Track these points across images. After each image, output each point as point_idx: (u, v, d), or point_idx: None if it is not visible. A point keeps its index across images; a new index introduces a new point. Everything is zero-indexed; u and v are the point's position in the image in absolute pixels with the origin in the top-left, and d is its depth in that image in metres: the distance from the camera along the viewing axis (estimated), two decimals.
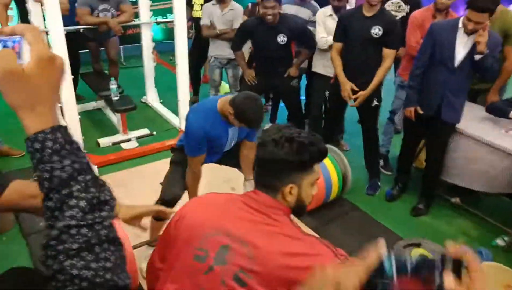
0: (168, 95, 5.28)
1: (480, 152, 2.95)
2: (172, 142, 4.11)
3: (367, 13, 3.05)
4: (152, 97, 4.99)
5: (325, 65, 3.62)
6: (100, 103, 4.69)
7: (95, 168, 3.56)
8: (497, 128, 3.03)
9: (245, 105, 2.07)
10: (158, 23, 4.64)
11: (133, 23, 4.58)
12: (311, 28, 3.65)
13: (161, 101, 5.05)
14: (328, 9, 3.52)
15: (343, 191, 3.20)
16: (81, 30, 4.26)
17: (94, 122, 4.48)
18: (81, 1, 4.21)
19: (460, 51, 2.80)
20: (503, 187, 2.92)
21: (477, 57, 2.68)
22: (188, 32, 4.71)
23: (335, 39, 3.27)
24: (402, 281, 0.66)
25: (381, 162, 3.85)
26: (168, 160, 3.83)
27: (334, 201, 3.26)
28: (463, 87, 2.92)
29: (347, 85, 3.18)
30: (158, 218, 2.50)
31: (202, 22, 4.14)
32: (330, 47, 3.45)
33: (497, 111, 3.07)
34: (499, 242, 2.94)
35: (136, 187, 3.32)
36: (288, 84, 3.69)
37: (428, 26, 3.21)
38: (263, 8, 3.34)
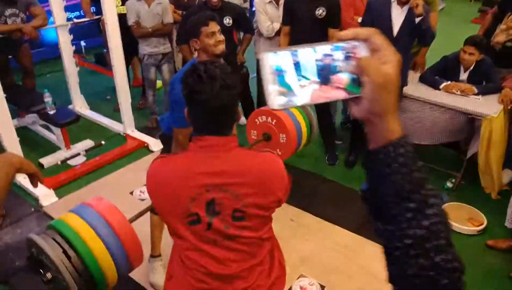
0: (96, 100, 4.95)
1: (424, 110, 3.37)
2: (122, 149, 3.93)
3: None
4: (80, 104, 4.61)
5: None
6: (25, 121, 4.20)
7: (50, 192, 3.27)
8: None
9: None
10: (77, 24, 4.24)
11: (48, 26, 4.14)
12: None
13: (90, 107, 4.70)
14: None
15: (311, 137, 3.31)
16: None
17: (25, 142, 4.02)
18: None
19: (397, 22, 3.13)
20: (446, 137, 3.39)
21: (418, 19, 2.99)
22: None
23: (283, 23, 3.42)
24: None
25: None
26: (126, 167, 3.71)
27: (303, 178, 3.48)
28: (405, 54, 3.27)
29: None
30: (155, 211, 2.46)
31: (130, 22, 3.90)
32: (276, 33, 3.58)
33: (429, 82, 3.50)
34: (449, 184, 3.44)
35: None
36: (238, 71, 3.74)
37: (358, 3, 3.54)
38: None
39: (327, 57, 0.59)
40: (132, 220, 2.06)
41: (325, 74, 0.58)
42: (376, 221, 0.64)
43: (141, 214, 2.19)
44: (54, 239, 1.83)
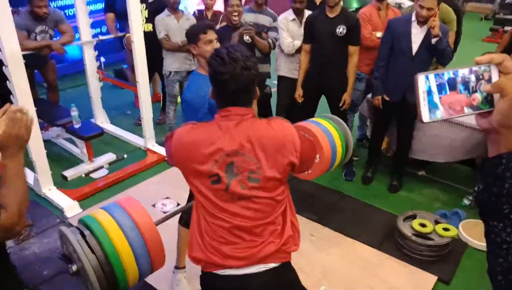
0: (116, 115, 5.07)
1: (441, 128, 3.44)
2: (143, 163, 4.02)
3: (330, 14, 3.36)
4: (101, 119, 4.73)
5: (291, 68, 3.84)
6: (49, 134, 4.31)
7: (74, 203, 3.35)
8: None
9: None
10: (101, 40, 4.39)
11: (75, 43, 4.29)
12: (273, 34, 3.83)
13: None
14: (290, 14, 3.73)
15: (345, 157, 3.33)
16: None
17: (48, 155, 4.13)
18: (16, 24, 3.83)
19: (416, 41, 3.23)
20: (463, 155, 3.45)
21: (434, 40, 3.10)
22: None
23: (304, 41, 3.54)
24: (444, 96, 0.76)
25: None
26: (148, 181, 3.80)
27: (321, 193, 3.54)
28: (423, 71, 3.36)
29: (299, 90, 3.64)
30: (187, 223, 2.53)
31: (160, 36, 4.04)
32: (296, 50, 3.70)
33: None
34: (466, 201, 3.48)
35: None
36: (262, 91, 3.84)
37: (374, 19, 3.67)
38: (229, 7, 3.53)
39: (465, 79, 0.74)
40: (159, 222, 2.14)
41: (464, 92, 0.74)
42: (489, 218, 0.74)
43: (167, 217, 2.26)
44: (81, 232, 1.87)
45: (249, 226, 1.44)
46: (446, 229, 2.86)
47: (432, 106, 0.73)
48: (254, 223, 1.44)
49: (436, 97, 0.73)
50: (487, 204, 0.74)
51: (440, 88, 0.73)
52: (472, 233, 3.07)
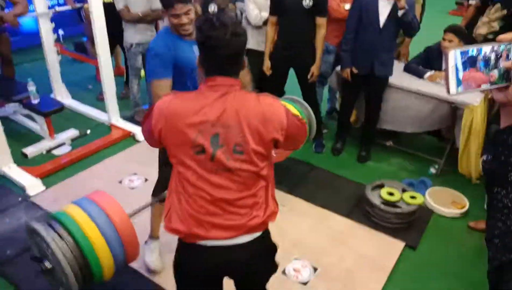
0: (77, 90, 4.85)
1: (409, 99, 3.48)
2: (108, 138, 3.89)
3: None
4: (61, 94, 4.51)
5: (259, 41, 3.73)
6: (5, 110, 4.07)
7: (37, 181, 3.21)
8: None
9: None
10: (58, 12, 4.14)
11: (30, 14, 4.03)
12: (241, 5, 3.72)
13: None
14: None
15: (309, 136, 3.23)
16: None
17: (6, 132, 3.91)
18: None
19: (383, 13, 3.21)
20: (430, 125, 3.51)
21: (400, 13, 3.11)
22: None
23: (270, 13, 3.45)
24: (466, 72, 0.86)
25: None
26: (113, 157, 3.67)
27: (292, 165, 3.53)
28: (390, 44, 3.37)
29: (267, 62, 3.56)
30: (162, 199, 2.49)
31: (119, 6, 3.85)
32: (264, 22, 3.60)
33: (414, 72, 3.61)
34: (432, 170, 3.57)
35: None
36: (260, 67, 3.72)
37: None
38: None
39: (486, 57, 0.82)
40: (132, 215, 2.09)
41: (484, 69, 0.83)
42: (493, 185, 0.79)
43: (140, 209, 2.22)
44: (51, 227, 1.82)
45: (232, 199, 1.43)
46: (413, 197, 2.93)
47: (458, 81, 0.81)
48: (236, 195, 1.43)
49: (460, 73, 0.81)
50: (494, 171, 0.80)
51: (464, 65, 0.81)
52: (437, 200, 3.16)
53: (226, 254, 1.47)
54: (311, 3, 3.30)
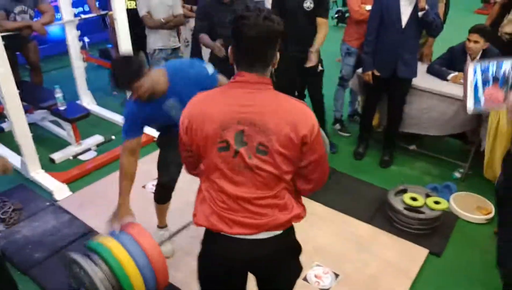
0: (102, 96, 4.97)
1: (432, 101, 3.41)
2: None
3: None
4: (87, 100, 4.63)
5: None
6: (34, 117, 4.21)
7: (63, 186, 3.31)
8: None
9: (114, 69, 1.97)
10: (84, 19, 4.26)
11: (57, 23, 4.16)
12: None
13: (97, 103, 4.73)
14: None
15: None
16: None
17: (34, 138, 4.05)
18: None
19: (405, 13, 3.17)
20: (454, 128, 3.43)
21: (420, 14, 3.08)
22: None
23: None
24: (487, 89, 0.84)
25: (338, 126, 4.21)
26: (139, 161, 3.73)
27: None
28: (413, 44, 3.32)
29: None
30: (161, 201, 2.68)
31: (142, 13, 3.93)
32: None
33: (437, 73, 3.55)
34: (457, 174, 3.50)
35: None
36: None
37: None
38: None
39: (506, 73, 0.86)
40: (163, 242, 2.20)
41: (503, 86, 0.85)
42: (503, 206, 0.80)
43: (177, 232, 2.40)
44: (91, 259, 1.92)
45: (252, 197, 1.44)
46: (437, 203, 2.87)
47: (476, 98, 0.87)
48: (257, 194, 1.44)
49: (479, 90, 0.81)
50: (504, 194, 0.80)
51: (484, 82, 0.82)
52: (462, 205, 3.09)
53: (249, 247, 1.48)
54: (312, 6, 3.32)
